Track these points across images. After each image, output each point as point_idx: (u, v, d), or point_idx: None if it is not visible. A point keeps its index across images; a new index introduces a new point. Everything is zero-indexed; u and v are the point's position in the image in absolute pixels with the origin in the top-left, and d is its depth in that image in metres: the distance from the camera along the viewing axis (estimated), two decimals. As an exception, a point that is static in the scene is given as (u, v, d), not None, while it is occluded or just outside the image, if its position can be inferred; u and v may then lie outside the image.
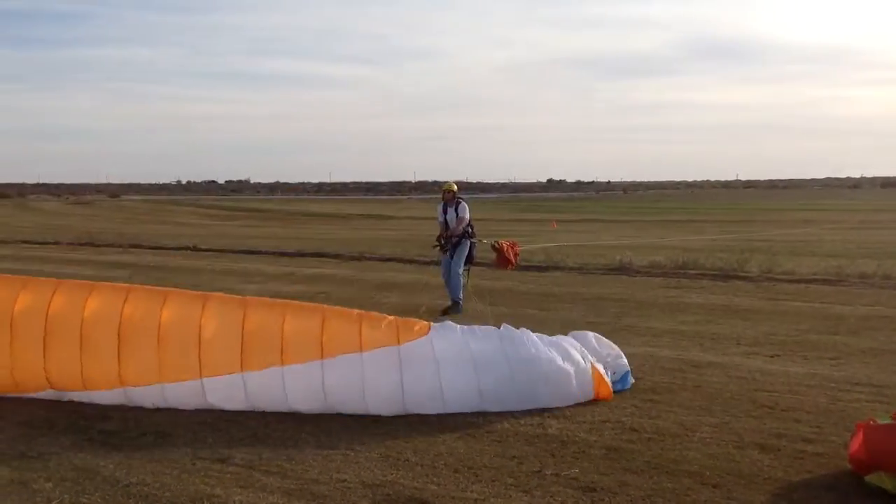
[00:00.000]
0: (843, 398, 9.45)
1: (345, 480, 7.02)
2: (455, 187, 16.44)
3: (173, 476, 7.12)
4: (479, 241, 16.76)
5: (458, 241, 16.09)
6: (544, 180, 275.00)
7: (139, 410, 9.01)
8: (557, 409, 9.00)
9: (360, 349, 8.91)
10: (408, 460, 7.53)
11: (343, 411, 8.88)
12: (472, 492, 6.78)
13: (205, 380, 8.94)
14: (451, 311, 15.62)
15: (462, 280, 16.11)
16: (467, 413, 8.83)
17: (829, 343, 12.71)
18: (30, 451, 7.78)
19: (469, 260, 16.28)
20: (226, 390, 8.94)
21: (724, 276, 21.26)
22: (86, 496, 6.69)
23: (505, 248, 17.18)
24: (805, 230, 51.50)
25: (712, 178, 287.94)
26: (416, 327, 9.31)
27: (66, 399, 9.34)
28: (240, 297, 9.59)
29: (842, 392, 9.72)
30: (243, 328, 8.98)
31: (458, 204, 16.16)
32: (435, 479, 7.08)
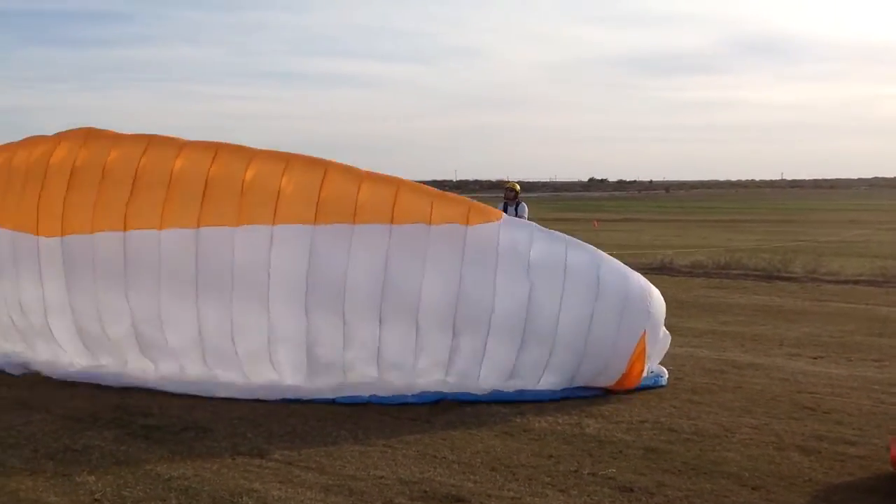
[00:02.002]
0: (886, 401, 9.31)
1: (382, 477, 7.06)
2: (518, 187, 16.26)
3: (213, 471, 7.21)
4: None
5: None
6: (586, 179, 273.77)
7: (181, 406, 9.13)
8: (596, 408, 8.98)
9: (430, 222, 9.18)
10: (445, 458, 7.55)
11: (399, 285, 9.06)
12: (508, 490, 6.78)
13: (276, 227, 9.19)
14: None
15: None
16: (505, 411, 8.84)
17: (873, 345, 12.52)
18: (74, 444, 7.92)
19: None
20: (293, 240, 9.16)
21: (768, 276, 21.04)
22: (128, 489, 6.79)
23: None
24: (851, 230, 50.75)
25: (756, 178, 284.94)
26: (489, 213, 9.67)
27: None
28: (319, 159, 9.70)
29: (885, 395, 9.58)
30: (321, 187, 9.26)
31: (518, 204, 16.01)
32: (472, 476, 7.09)
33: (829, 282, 20.03)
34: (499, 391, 9.24)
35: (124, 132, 10.25)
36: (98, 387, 9.82)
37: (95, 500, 6.61)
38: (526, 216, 15.78)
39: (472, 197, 10.69)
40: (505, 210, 15.92)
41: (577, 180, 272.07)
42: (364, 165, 9.74)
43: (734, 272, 21.82)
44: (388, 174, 9.72)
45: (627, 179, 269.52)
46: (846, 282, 19.91)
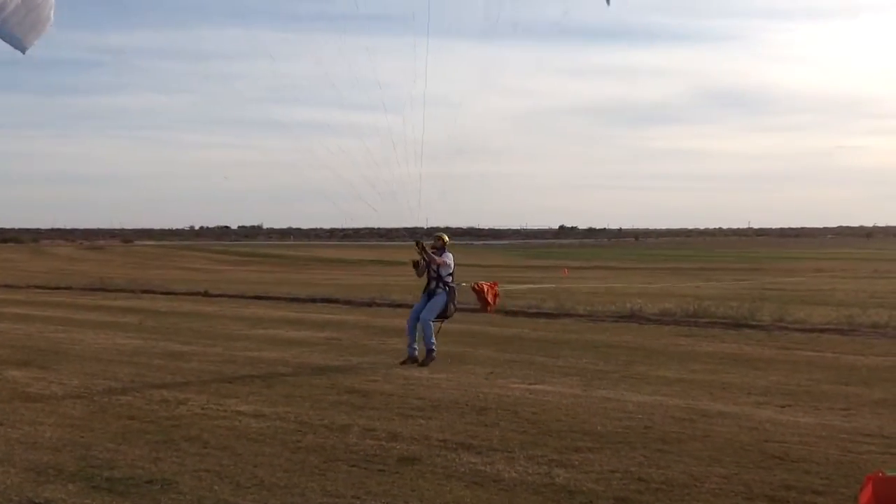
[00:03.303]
0: (854, 450, 9.36)
1: (350, 529, 6.97)
2: (446, 238, 16.31)
3: (178, 524, 7.08)
4: (458, 284, 16.58)
5: (434, 290, 15.93)
6: (556, 227, 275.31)
7: (146, 458, 9.00)
8: (566, 458, 8.96)
9: None
10: (414, 509, 7.48)
11: None
12: (478, 542, 6.72)
13: None
14: (425, 362, 15.44)
15: (433, 329, 15.83)
16: (475, 461, 8.80)
17: (840, 393, 12.61)
18: (37, 497, 7.76)
19: (444, 314, 16.04)
20: None
21: (736, 324, 21.18)
22: (90, 543, 6.66)
23: (485, 290, 17.10)
24: (817, 279, 51.31)
25: (724, 226, 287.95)
26: None
27: None
28: None
29: (853, 444, 9.63)
30: None
31: (444, 252, 16.15)
32: (441, 528, 7.02)
33: (795, 330, 20.21)
34: None
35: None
36: (62, 437, 9.66)
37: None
38: (450, 261, 15.99)
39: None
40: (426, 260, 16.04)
41: (547, 227, 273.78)
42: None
43: (703, 320, 21.96)
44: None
45: (597, 227, 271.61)
46: (812, 330, 20.09)
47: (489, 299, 17.06)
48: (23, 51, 10.64)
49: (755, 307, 23.01)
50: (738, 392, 12.76)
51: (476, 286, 17.08)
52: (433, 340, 15.70)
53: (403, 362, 15.49)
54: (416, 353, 15.64)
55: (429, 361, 15.42)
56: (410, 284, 16.93)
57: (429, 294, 15.96)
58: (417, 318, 15.83)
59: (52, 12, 10.63)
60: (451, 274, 16.06)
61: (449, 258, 16.03)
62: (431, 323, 15.75)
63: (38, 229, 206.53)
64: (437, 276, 15.97)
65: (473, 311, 24.94)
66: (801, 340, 18.62)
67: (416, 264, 16.19)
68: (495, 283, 17.61)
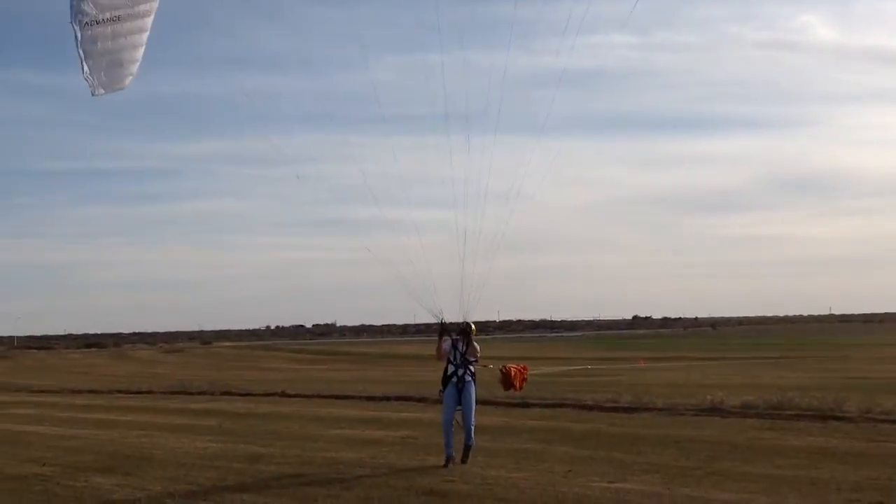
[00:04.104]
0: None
1: None
2: (473, 327, 16.06)
3: None
4: (485, 365, 16.34)
5: (463, 377, 15.47)
6: (630, 317, 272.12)
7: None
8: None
9: None
10: None
11: None
12: None
13: None
14: (467, 458, 15.23)
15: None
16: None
17: (936, 488, 12.10)
18: None
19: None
20: None
21: (822, 416, 20.51)
22: None
23: (512, 373, 16.80)
24: (905, 365, 49.65)
25: (804, 313, 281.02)
26: None
27: None
28: None
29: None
30: None
31: (469, 343, 15.82)
32: None
33: (884, 421, 19.49)
34: None
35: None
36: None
37: None
38: (478, 354, 15.63)
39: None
40: (455, 346, 15.66)
41: (620, 318, 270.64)
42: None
43: (787, 412, 21.32)
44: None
45: (672, 317, 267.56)
46: (902, 421, 19.36)
47: (516, 384, 16.78)
48: (92, 94, 11.52)
49: (841, 398, 22.26)
50: (827, 489, 12.33)
51: (504, 369, 16.80)
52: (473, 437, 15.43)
53: (445, 464, 15.07)
54: (453, 451, 15.24)
55: (470, 456, 15.20)
56: (483, 379, 16.75)
57: (456, 383, 15.47)
58: (452, 416, 15.41)
59: (130, 76, 11.47)
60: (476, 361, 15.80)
61: (476, 351, 15.76)
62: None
63: (119, 333, 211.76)
64: (464, 362, 15.56)
65: (550, 405, 24.75)
66: (891, 432, 17.94)
67: (444, 332, 15.71)
68: (525, 367, 17.32)
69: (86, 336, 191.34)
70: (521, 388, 17.22)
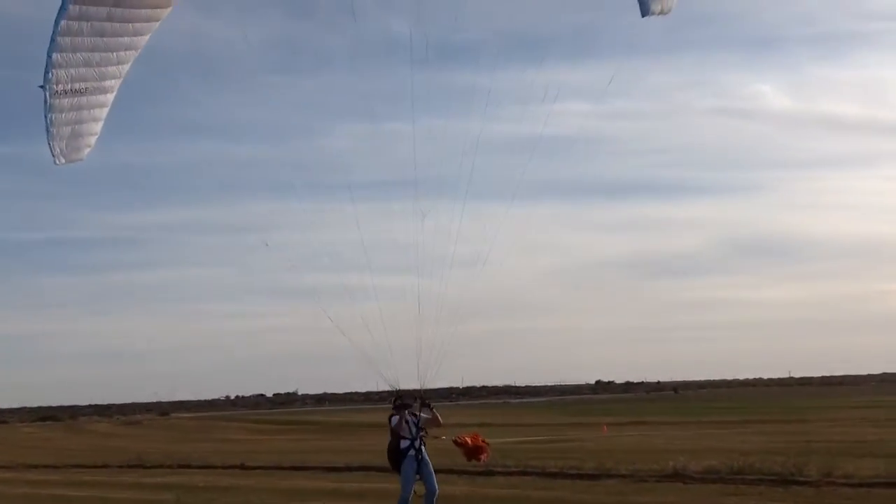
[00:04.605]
0: None
1: None
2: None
3: None
4: (437, 437, 16.12)
5: (420, 448, 15.41)
6: (593, 382, 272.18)
7: None
8: None
9: None
10: None
11: None
12: None
13: None
14: None
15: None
16: None
17: (896, 552, 12.21)
18: None
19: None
20: None
21: (783, 480, 20.65)
22: None
23: (470, 444, 16.59)
24: (862, 428, 50.13)
25: (764, 376, 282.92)
26: None
27: None
28: None
29: None
30: None
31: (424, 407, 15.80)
32: None
33: (844, 485, 19.65)
34: None
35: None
36: None
37: None
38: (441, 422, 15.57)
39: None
40: (407, 419, 15.53)
41: (583, 383, 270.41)
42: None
43: (749, 477, 21.44)
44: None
45: (634, 381, 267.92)
46: (861, 485, 19.53)
47: (480, 457, 16.43)
48: (54, 162, 11.73)
49: (802, 462, 22.44)
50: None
51: (459, 440, 16.52)
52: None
53: None
54: None
55: None
56: (444, 448, 16.58)
57: (415, 455, 15.34)
58: (411, 491, 15.23)
59: (88, 147, 11.76)
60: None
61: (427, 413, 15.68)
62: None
63: (74, 406, 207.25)
64: (419, 433, 15.41)
65: (515, 473, 24.64)
66: (851, 496, 18.11)
67: (399, 402, 15.60)
68: (476, 435, 17.01)
69: (40, 409, 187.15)
70: (485, 458, 16.90)
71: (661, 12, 14.17)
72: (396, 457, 15.37)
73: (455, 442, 16.18)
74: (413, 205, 15.06)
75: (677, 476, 22.48)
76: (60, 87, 12.00)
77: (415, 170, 14.85)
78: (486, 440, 16.60)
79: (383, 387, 16.09)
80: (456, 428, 17.92)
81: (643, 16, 14.05)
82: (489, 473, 24.57)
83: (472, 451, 16.27)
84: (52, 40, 11.79)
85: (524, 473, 24.57)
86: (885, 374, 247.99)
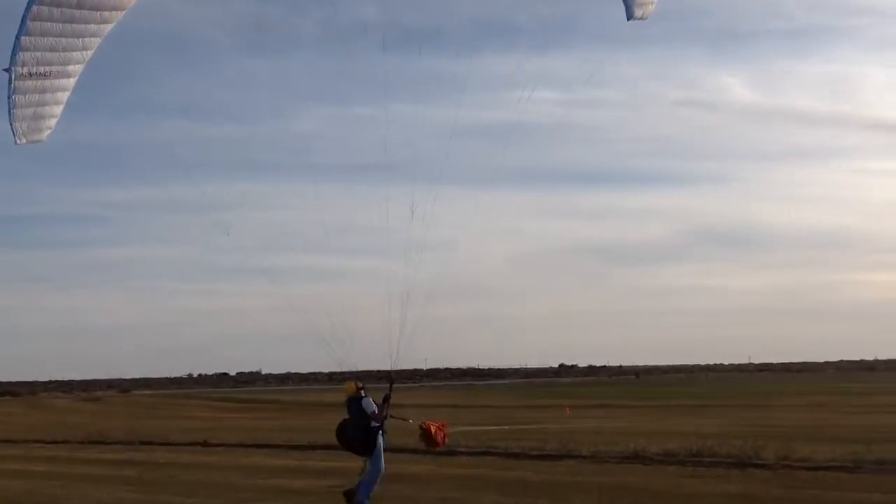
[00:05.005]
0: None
1: None
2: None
3: None
4: (406, 419, 16.35)
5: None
6: (556, 365, 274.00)
7: None
8: None
9: None
10: None
11: None
12: None
13: None
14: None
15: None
16: None
17: (848, 533, 12.48)
18: None
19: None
20: None
21: (741, 463, 20.97)
22: None
23: (433, 430, 16.85)
24: (820, 414, 50.99)
25: (725, 362, 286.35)
26: None
27: None
28: None
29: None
30: None
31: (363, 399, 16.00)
32: None
33: (801, 468, 20.01)
34: None
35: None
36: None
37: None
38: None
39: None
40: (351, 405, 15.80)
41: (547, 366, 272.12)
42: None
43: (707, 459, 21.76)
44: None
45: (597, 364, 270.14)
46: (818, 468, 19.88)
47: (438, 440, 16.73)
48: (15, 142, 11.99)
49: (759, 445, 22.80)
50: (745, 534, 12.62)
51: (424, 426, 16.74)
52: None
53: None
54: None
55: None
56: (404, 427, 16.71)
57: (382, 433, 15.66)
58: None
59: (49, 130, 12.00)
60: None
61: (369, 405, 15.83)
62: None
63: (34, 381, 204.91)
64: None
65: (477, 453, 24.83)
66: (807, 479, 18.44)
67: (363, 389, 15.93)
68: (444, 423, 17.25)
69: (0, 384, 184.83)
70: (442, 444, 17.14)
71: (642, 17, 14.62)
72: (369, 436, 15.49)
73: (421, 427, 16.43)
74: (383, 190, 15.12)
75: (637, 457, 22.76)
76: (26, 69, 12.47)
77: (384, 153, 14.88)
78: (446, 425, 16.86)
79: (348, 367, 16.11)
80: (419, 409, 18.05)
81: (628, 20, 14.51)
82: (452, 454, 24.72)
83: (431, 437, 16.52)
84: (23, 24, 12.20)
85: (487, 454, 24.76)
86: (842, 361, 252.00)
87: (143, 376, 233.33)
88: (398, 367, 15.91)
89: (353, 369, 15.75)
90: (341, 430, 15.87)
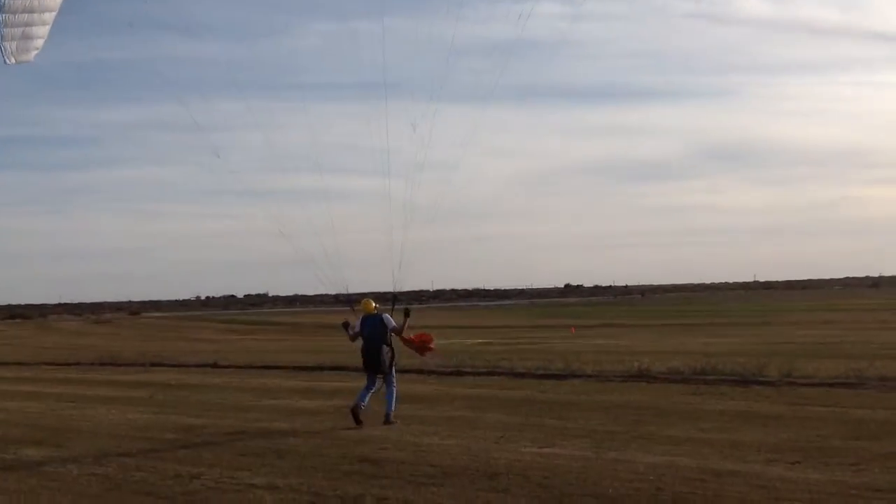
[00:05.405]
0: (864, 505, 9.41)
1: None
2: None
3: None
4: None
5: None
6: (562, 285, 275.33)
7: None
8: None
9: None
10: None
11: None
12: None
13: None
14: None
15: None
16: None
17: (850, 449, 12.65)
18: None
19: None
20: None
21: (744, 381, 21.15)
22: None
23: (415, 340, 17.35)
24: (824, 331, 51.24)
25: (730, 280, 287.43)
26: None
27: None
28: None
29: (863, 500, 9.68)
30: None
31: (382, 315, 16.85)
32: None
33: (804, 385, 20.19)
34: None
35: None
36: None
37: None
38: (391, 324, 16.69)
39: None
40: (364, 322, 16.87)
41: (553, 287, 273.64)
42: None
43: (711, 377, 21.94)
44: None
45: (603, 285, 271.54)
46: (821, 384, 20.06)
47: (423, 350, 17.33)
48: (4, 61, 11.97)
49: (763, 363, 22.98)
50: (748, 450, 12.80)
51: (406, 338, 17.22)
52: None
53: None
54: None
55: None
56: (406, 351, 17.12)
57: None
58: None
59: (36, 50, 11.95)
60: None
61: (390, 322, 16.90)
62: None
63: (44, 304, 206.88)
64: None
65: (483, 373, 25.09)
66: (810, 395, 18.62)
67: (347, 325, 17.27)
68: (423, 334, 17.67)
69: (10, 307, 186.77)
70: (431, 343, 17.49)
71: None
72: (393, 353, 16.82)
73: (405, 341, 16.91)
74: (381, 108, 14.97)
75: (641, 376, 22.96)
76: None
77: (383, 72, 14.68)
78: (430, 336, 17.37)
79: (355, 289, 16.38)
80: (425, 330, 18.26)
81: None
82: (458, 374, 25.01)
83: (421, 348, 17.09)
84: None
85: (492, 373, 25.01)
86: (847, 278, 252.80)
87: (151, 298, 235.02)
88: (400, 290, 16.26)
89: (347, 291, 16.31)
90: (367, 351, 16.79)
